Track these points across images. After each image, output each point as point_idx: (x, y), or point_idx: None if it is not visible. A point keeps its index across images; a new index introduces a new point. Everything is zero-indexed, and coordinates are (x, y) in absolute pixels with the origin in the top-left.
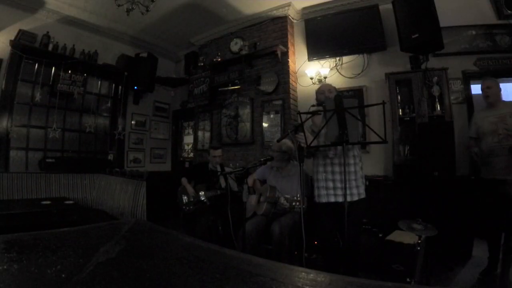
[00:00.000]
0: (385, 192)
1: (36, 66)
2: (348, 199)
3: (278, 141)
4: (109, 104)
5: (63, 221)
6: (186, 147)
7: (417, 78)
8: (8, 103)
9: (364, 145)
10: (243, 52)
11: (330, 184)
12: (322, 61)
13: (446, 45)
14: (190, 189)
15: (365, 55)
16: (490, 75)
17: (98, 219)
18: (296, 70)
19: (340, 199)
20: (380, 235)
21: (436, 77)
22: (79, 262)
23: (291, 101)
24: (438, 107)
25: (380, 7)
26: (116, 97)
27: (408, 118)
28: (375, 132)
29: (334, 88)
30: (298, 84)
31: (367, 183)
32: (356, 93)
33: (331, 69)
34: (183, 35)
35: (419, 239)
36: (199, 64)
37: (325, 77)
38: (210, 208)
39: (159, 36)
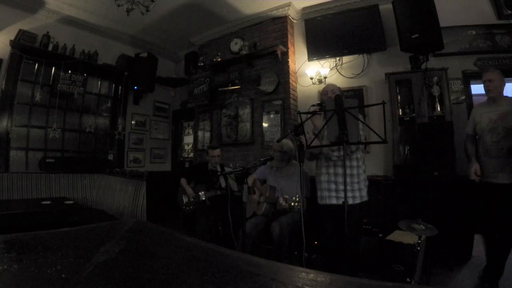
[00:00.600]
0: (385, 192)
1: (36, 66)
2: (351, 201)
3: (278, 141)
4: (109, 104)
5: (63, 221)
6: (186, 147)
7: (417, 78)
8: (8, 103)
9: (364, 145)
10: (243, 52)
11: (333, 186)
12: (322, 61)
13: (446, 45)
14: (189, 190)
15: (365, 55)
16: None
17: (98, 219)
18: (296, 70)
19: (342, 202)
20: (380, 235)
21: (436, 77)
22: (79, 262)
23: (291, 101)
24: (438, 107)
25: (380, 7)
26: (116, 97)
27: (408, 118)
28: (375, 132)
29: (339, 88)
30: (298, 84)
31: (367, 183)
32: (356, 93)
33: (331, 69)
34: (183, 35)
35: (419, 239)
36: (199, 64)
37: (325, 77)
38: (210, 208)
39: (159, 36)
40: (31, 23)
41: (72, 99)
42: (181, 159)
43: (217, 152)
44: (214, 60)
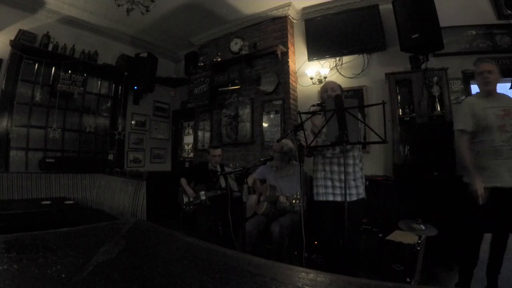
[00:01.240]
0: (385, 192)
1: (36, 66)
2: (347, 198)
3: (278, 141)
4: (109, 104)
5: (63, 221)
6: (186, 147)
7: (417, 78)
8: (8, 103)
9: (364, 145)
10: (243, 52)
11: (329, 183)
12: (322, 61)
13: (446, 45)
14: (189, 190)
15: (365, 55)
16: None
17: (98, 219)
18: (296, 70)
19: (339, 198)
20: (380, 235)
21: (436, 77)
22: (79, 262)
23: (291, 101)
24: (438, 107)
25: (380, 7)
26: (116, 97)
27: (408, 118)
28: (375, 132)
29: (339, 85)
30: (298, 84)
31: (367, 183)
32: (356, 93)
33: (331, 69)
34: (183, 35)
35: (419, 239)
36: (199, 64)
37: (325, 77)
38: (210, 208)
39: (159, 36)
40: (31, 23)
41: (72, 99)
42: (181, 159)
43: (218, 151)
44: (214, 60)
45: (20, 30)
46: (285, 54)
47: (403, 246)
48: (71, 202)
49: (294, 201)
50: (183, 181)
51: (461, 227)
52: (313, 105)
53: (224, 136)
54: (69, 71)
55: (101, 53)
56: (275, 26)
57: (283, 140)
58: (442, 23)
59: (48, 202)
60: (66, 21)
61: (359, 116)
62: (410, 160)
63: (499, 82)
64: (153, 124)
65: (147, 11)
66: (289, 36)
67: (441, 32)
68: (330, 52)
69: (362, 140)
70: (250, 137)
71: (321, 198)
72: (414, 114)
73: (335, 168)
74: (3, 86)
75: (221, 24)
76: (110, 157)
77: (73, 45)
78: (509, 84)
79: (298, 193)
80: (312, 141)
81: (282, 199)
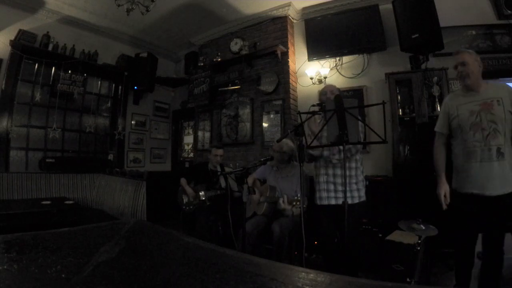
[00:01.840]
0: (385, 192)
1: (36, 66)
2: (350, 201)
3: (278, 141)
4: (109, 104)
5: (63, 221)
6: (186, 147)
7: (417, 78)
8: (8, 103)
9: (364, 145)
10: (243, 52)
11: (331, 187)
12: (322, 61)
13: (446, 45)
14: (189, 190)
15: (365, 55)
16: (490, 75)
17: (98, 219)
18: (296, 70)
19: (341, 202)
20: (380, 235)
21: (436, 77)
22: (79, 262)
23: (291, 101)
24: (438, 107)
25: (380, 7)
26: (116, 97)
27: (408, 118)
28: (375, 132)
29: (338, 89)
30: (298, 84)
31: (367, 183)
32: (356, 93)
33: (331, 69)
34: (183, 35)
35: (419, 239)
36: (199, 64)
37: (325, 77)
38: (210, 208)
39: (159, 36)
40: (31, 23)
41: (72, 99)
42: (181, 159)
43: (220, 152)
44: (214, 60)
45: (20, 30)
46: (285, 54)
47: (403, 246)
48: (71, 202)
49: (294, 203)
50: (183, 181)
51: (453, 228)
52: (313, 105)
53: (224, 136)
54: (69, 71)
55: (101, 53)
56: (275, 26)
57: (283, 140)
58: (442, 23)
59: (48, 202)
60: (66, 21)
61: (359, 116)
62: (410, 160)
63: (481, 69)
64: (153, 124)
65: (147, 11)
66: (289, 36)
67: (441, 32)
68: (330, 52)
69: (362, 140)
70: (250, 137)
71: (324, 202)
72: (414, 114)
73: (338, 171)
74: (3, 86)
75: (221, 24)
76: (110, 157)
77: (73, 45)
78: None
79: (299, 196)
80: (312, 141)
81: (281, 201)
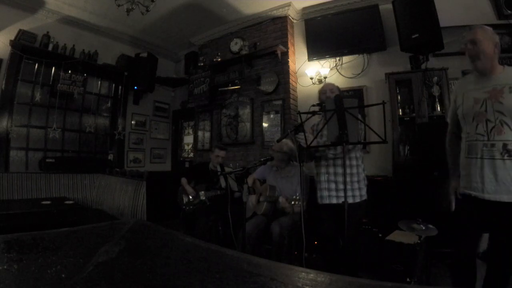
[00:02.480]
0: (385, 192)
1: (36, 66)
2: (351, 200)
3: (278, 141)
4: (109, 104)
5: (63, 221)
6: (186, 147)
7: (417, 78)
8: (8, 103)
9: (364, 145)
10: (243, 52)
11: (333, 186)
12: (322, 61)
13: (446, 45)
14: (189, 189)
15: (365, 55)
16: None
17: (98, 219)
18: (296, 70)
19: (342, 201)
20: (380, 235)
21: (436, 77)
22: (79, 262)
23: (291, 101)
24: (438, 107)
25: (380, 7)
26: (116, 97)
27: (408, 118)
28: (375, 132)
29: (337, 87)
30: (298, 84)
31: (367, 183)
32: (356, 93)
33: (331, 69)
34: (183, 35)
35: (419, 239)
36: (199, 64)
37: (325, 77)
38: (210, 208)
39: (159, 36)
40: (31, 23)
41: (72, 99)
42: (181, 159)
43: (222, 153)
44: (214, 60)
45: (20, 30)
46: (285, 54)
47: (403, 246)
48: (71, 202)
49: (293, 202)
50: (184, 180)
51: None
52: (313, 105)
53: (224, 136)
54: (69, 71)
55: (101, 53)
56: (275, 26)
57: (283, 140)
58: (442, 23)
59: (48, 202)
60: (66, 21)
61: (359, 116)
62: (410, 160)
63: (497, 50)
64: (153, 124)
65: (147, 11)
66: (289, 36)
67: (441, 32)
68: (330, 52)
69: (362, 140)
70: (250, 137)
71: (325, 201)
72: (414, 114)
73: (339, 170)
74: (3, 86)
75: (221, 24)
76: (110, 157)
77: (73, 45)
78: None
79: (298, 194)
80: (312, 141)
81: (281, 200)
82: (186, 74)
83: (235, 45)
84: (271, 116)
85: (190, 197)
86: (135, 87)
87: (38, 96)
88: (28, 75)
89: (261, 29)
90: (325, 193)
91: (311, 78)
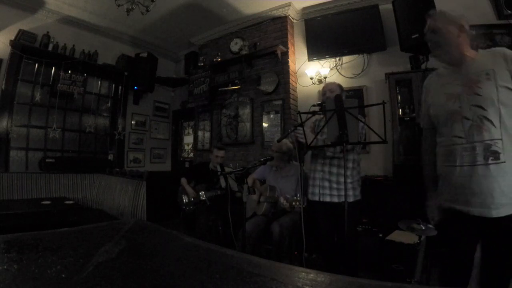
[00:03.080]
0: (385, 192)
1: (36, 66)
2: (342, 199)
3: (278, 141)
4: (109, 104)
5: (63, 221)
6: (186, 147)
7: (417, 78)
8: (8, 103)
9: (364, 145)
10: (243, 52)
11: (326, 184)
12: (322, 61)
13: None
14: (189, 189)
15: (365, 55)
16: None
17: (98, 219)
18: (296, 70)
19: (335, 199)
20: (380, 235)
21: None
22: (79, 262)
23: (291, 101)
24: None
25: (380, 7)
26: (116, 97)
27: (408, 118)
28: (375, 132)
29: (338, 85)
30: (298, 84)
31: (367, 183)
32: (356, 93)
33: (331, 69)
34: (183, 35)
35: (419, 239)
36: (199, 64)
37: (325, 77)
38: (210, 208)
39: (159, 36)
40: (31, 23)
41: (72, 99)
42: (181, 159)
43: (222, 153)
44: (214, 60)
45: (20, 30)
46: (285, 54)
47: (403, 246)
48: (71, 202)
49: (294, 203)
50: (184, 180)
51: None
52: (313, 105)
53: (224, 136)
54: (69, 71)
55: (101, 53)
56: (275, 26)
57: (283, 140)
58: None
59: (48, 202)
60: (66, 21)
61: (359, 116)
62: (410, 160)
63: (468, 37)
64: (153, 124)
65: (147, 11)
66: (289, 36)
67: None
68: (330, 52)
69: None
70: (250, 137)
71: (317, 198)
72: (414, 114)
73: (334, 170)
74: (3, 86)
75: (221, 24)
76: (110, 157)
77: (73, 45)
78: None
79: (298, 195)
80: (312, 141)
81: (282, 200)
82: (186, 74)
83: (235, 45)
84: (271, 116)
85: (190, 197)
86: (135, 87)
87: (38, 96)
88: (28, 75)
89: (261, 29)
90: (317, 190)
91: (311, 78)
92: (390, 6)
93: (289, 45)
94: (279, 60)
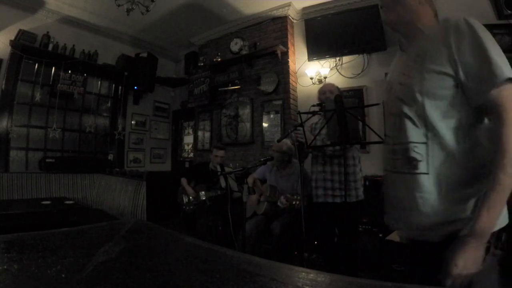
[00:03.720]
0: None
1: (36, 66)
2: (346, 199)
3: (279, 141)
4: (109, 104)
5: (63, 221)
6: (186, 147)
7: None
8: (8, 103)
9: (364, 145)
10: (243, 52)
11: (329, 184)
12: (322, 61)
13: None
14: (189, 189)
15: (365, 55)
16: None
17: (98, 219)
18: (296, 70)
19: (338, 200)
20: (380, 235)
21: None
22: (79, 262)
23: (291, 101)
24: None
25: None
26: (116, 97)
27: None
28: (375, 132)
29: (337, 87)
30: (298, 84)
31: (367, 183)
32: (356, 93)
33: (331, 69)
34: (183, 35)
35: None
36: (199, 64)
37: (325, 77)
38: (210, 208)
39: (159, 36)
40: (31, 23)
41: (72, 99)
42: (181, 159)
43: (221, 153)
44: (214, 60)
45: (20, 30)
46: (285, 54)
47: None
48: (71, 202)
49: (294, 202)
50: (184, 181)
51: None
52: (313, 105)
53: (224, 136)
54: (69, 71)
55: (101, 53)
56: (275, 26)
57: (283, 140)
58: None
59: (48, 202)
60: (66, 21)
61: (359, 116)
62: None
63: (410, 13)
64: (153, 124)
65: (147, 11)
66: (289, 36)
67: None
68: (330, 52)
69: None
70: (250, 137)
71: (321, 199)
72: None
73: (336, 168)
74: (3, 86)
75: (221, 24)
76: (110, 157)
77: (73, 45)
78: None
79: (299, 194)
80: (312, 141)
81: (282, 199)
82: (186, 74)
83: (235, 45)
84: (271, 116)
85: (190, 197)
86: (135, 87)
87: (38, 96)
88: (28, 75)
89: (261, 29)
90: (321, 192)
91: (311, 78)
92: None
93: (289, 45)
94: (279, 60)
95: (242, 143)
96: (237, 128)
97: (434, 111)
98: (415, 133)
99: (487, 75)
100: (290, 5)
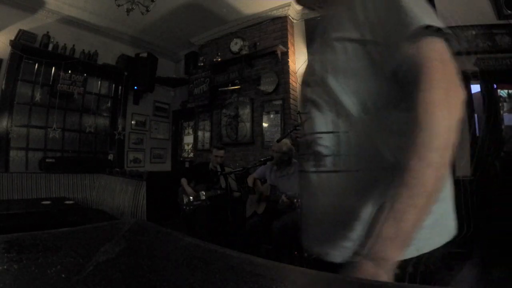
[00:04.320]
0: None
1: (36, 66)
2: None
3: (278, 141)
4: (109, 104)
5: (63, 221)
6: (186, 147)
7: None
8: (8, 103)
9: None
10: (243, 52)
11: None
12: None
13: None
14: (189, 190)
15: None
16: (489, 75)
17: (98, 219)
18: (296, 70)
19: None
20: None
21: None
22: (79, 262)
23: (291, 101)
24: None
25: None
26: (116, 97)
27: None
28: None
29: None
30: (298, 84)
31: None
32: None
33: None
34: (183, 35)
35: None
36: (199, 64)
37: None
38: (210, 208)
39: (159, 36)
40: (31, 23)
41: (72, 99)
42: (181, 159)
43: (221, 153)
44: (214, 60)
45: (20, 30)
46: (285, 54)
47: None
48: (71, 202)
49: (294, 202)
50: (184, 181)
51: None
52: None
53: (224, 136)
54: (69, 71)
55: (101, 53)
56: (275, 26)
57: (283, 140)
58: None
59: (48, 202)
60: (66, 21)
61: None
62: None
63: None
64: (153, 124)
65: (147, 11)
66: (289, 36)
67: None
68: None
69: None
70: (250, 137)
71: None
72: None
73: None
74: (3, 86)
75: (221, 24)
76: (110, 157)
77: (73, 45)
78: None
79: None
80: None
81: (283, 197)
82: (186, 74)
83: (235, 45)
84: (271, 116)
85: (190, 197)
86: (135, 87)
87: (38, 96)
88: (28, 75)
89: (261, 29)
90: None
91: None
92: None
93: (289, 45)
94: (279, 60)
95: (242, 143)
96: (237, 128)
97: (343, 89)
98: (317, 121)
99: (397, 27)
100: (290, 5)
